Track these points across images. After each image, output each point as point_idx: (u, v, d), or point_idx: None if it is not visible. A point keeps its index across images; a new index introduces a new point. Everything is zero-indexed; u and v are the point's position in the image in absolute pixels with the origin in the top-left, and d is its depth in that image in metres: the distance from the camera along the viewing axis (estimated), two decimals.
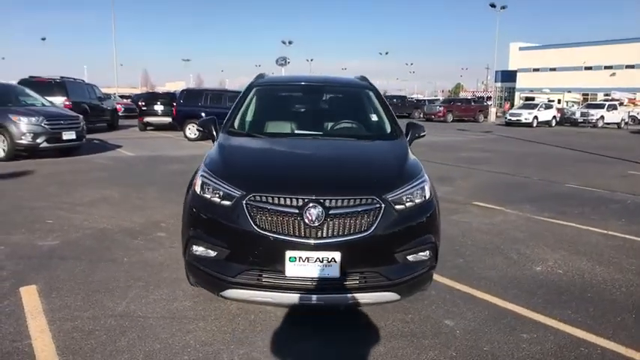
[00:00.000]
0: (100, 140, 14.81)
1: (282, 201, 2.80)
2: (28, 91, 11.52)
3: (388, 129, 4.02)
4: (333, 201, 2.80)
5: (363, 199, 2.85)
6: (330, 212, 2.78)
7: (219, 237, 2.91)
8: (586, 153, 14.93)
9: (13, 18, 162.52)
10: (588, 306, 3.56)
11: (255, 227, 2.79)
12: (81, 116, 11.33)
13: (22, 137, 9.63)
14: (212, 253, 2.94)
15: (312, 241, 2.75)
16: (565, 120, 33.45)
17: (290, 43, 68.41)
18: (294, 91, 4.64)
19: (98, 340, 2.88)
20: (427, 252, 3.09)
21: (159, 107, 19.20)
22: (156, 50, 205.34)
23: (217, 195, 2.96)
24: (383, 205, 2.87)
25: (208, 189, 3.01)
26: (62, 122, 10.38)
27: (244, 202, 2.84)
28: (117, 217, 5.68)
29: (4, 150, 9.68)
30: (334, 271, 2.77)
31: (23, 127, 9.64)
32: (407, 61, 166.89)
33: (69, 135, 10.42)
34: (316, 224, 2.75)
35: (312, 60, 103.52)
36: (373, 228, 2.82)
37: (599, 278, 4.14)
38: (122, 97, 39.87)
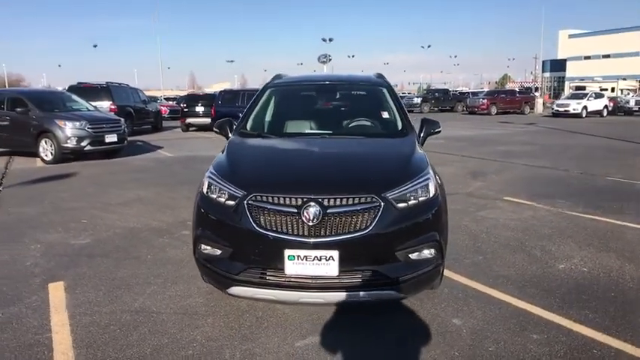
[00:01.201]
0: (143, 142, 15.42)
1: (281, 200, 2.85)
2: (73, 97, 12.19)
3: (399, 126, 3.99)
4: (331, 200, 2.82)
5: (361, 197, 2.85)
6: (328, 211, 2.80)
7: (224, 236, 3.00)
8: (637, 144, 14.09)
9: (68, 27, 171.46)
10: (609, 306, 3.40)
11: (255, 226, 2.86)
12: (122, 119, 11.86)
13: (68, 141, 10.20)
14: (218, 252, 3.03)
15: (310, 240, 2.78)
16: (618, 109, 31.67)
17: (330, 40, 68.36)
18: (308, 91, 4.67)
19: (112, 335, 3.05)
20: (431, 250, 3.05)
21: (200, 108, 19.76)
22: (202, 52, 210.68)
23: (222, 195, 3.04)
24: (382, 204, 2.86)
25: (214, 190, 3.10)
26: (104, 126, 10.91)
27: (245, 202, 2.91)
28: (147, 217, 5.93)
29: (52, 153, 10.29)
30: (332, 270, 2.79)
31: (68, 131, 10.21)
32: (450, 53, 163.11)
33: (111, 138, 10.94)
34: (314, 223, 2.78)
35: (353, 56, 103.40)
36: (372, 226, 2.82)
37: (627, 277, 3.93)
38: (167, 99, 41.31)
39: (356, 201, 2.84)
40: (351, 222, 2.81)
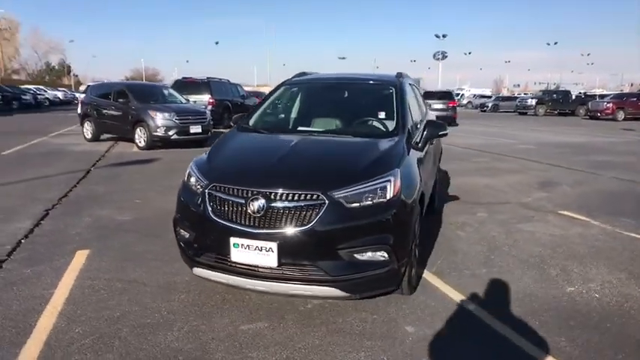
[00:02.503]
0: None
1: (232, 191, 3.05)
2: (171, 90, 13.55)
3: (391, 127, 3.92)
4: (276, 195, 2.94)
5: (306, 194, 2.93)
6: (272, 205, 2.93)
7: (191, 221, 3.28)
8: None
9: (194, 27, 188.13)
10: (594, 337, 3.05)
11: (211, 214, 3.09)
12: (207, 112, 12.89)
13: (157, 130, 11.41)
14: (187, 235, 3.32)
15: (252, 230, 2.94)
16: None
17: (444, 36, 66.21)
18: (317, 90, 4.77)
19: (98, 297, 3.50)
20: (382, 253, 3.02)
21: None
22: (314, 49, 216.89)
23: (194, 184, 3.33)
24: (327, 202, 2.91)
25: (190, 179, 3.40)
26: (190, 117, 11.97)
27: (207, 190, 3.15)
28: None
29: (144, 140, 11.59)
30: (272, 261, 2.92)
31: (158, 121, 11.41)
32: (582, 51, 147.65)
33: (195, 129, 11.97)
34: (259, 215, 2.93)
35: (469, 53, 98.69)
36: (313, 223, 2.88)
37: None
38: None
39: (300, 197, 2.93)
40: (293, 217, 2.90)
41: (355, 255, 2.97)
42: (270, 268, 2.95)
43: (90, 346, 2.84)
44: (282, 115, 4.50)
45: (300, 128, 4.07)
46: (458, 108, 52.39)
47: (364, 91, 4.64)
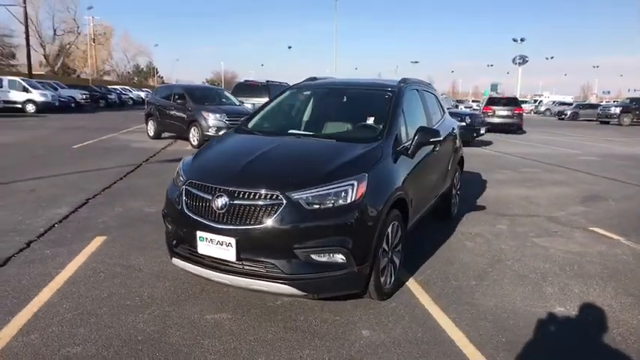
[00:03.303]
0: None
1: (202, 188, 3.26)
2: (226, 93, 14.22)
3: (376, 132, 3.93)
4: (239, 193, 3.10)
5: (266, 194, 3.06)
6: (235, 202, 3.09)
7: (172, 214, 3.53)
8: None
9: (268, 32, 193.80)
10: (533, 353, 2.90)
11: (184, 208, 3.32)
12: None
13: (209, 129, 12.05)
14: (169, 227, 3.58)
15: (215, 225, 3.12)
16: None
17: (522, 40, 63.32)
18: (317, 94, 4.85)
19: (96, 279, 3.86)
20: (340, 255, 3.08)
21: None
22: (386, 53, 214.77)
23: (177, 180, 3.58)
24: (285, 202, 3.02)
25: (177, 176, 3.66)
26: (240, 118, 12.45)
27: (184, 186, 3.39)
28: None
29: (197, 139, 12.28)
30: (231, 255, 3.08)
31: (210, 121, 12.05)
32: None
33: None
34: (222, 211, 3.11)
35: (552, 58, 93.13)
36: (270, 221, 3.01)
37: (621, 330, 3.20)
38: None
39: (260, 196, 3.07)
40: (252, 214, 3.05)
41: (312, 255, 3.05)
42: (231, 263, 3.12)
43: (69, 320, 3.17)
44: (280, 118, 4.66)
45: (290, 131, 4.19)
46: (535, 115, 49.81)
47: (362, 97, 4.67)
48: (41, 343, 2.88)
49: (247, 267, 3.10)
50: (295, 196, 3.05)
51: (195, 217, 3.23)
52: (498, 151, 13.99)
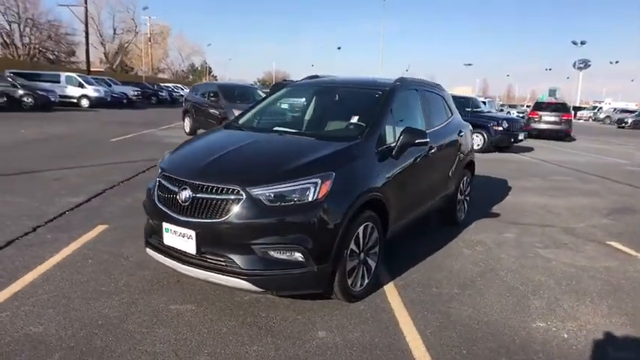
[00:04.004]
0: None
1: (171, 180, 3.33)
2: (258, 91, 14.45)
3: (358, 131, 3.86)
4: (203, 187, 3.14)
5: (227, 189, 3.09)
6: (197, 195, 3.14)
7: (147, 204, 3.63)
8: None
9: (320, 33, 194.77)
10: None
11: (156, 199, 3.41)
12: None
13: None
14: (147, 218, 3.69)
15: (178, 217, 3.19)
16: None
17: (582, 43, 60.45)
18: (311, 92, 4.82)
19: (81, 264, 4.03)
20: (298, 254, 3.06)
21: None
22: (441, 55, 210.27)
23: (157, 173, 3.68)
24: (244, 197, 3.03)
25: (158, 169, 3.76)
26: None
27: (158, 177, 3.48)
28: None
29: None
30: (191, 247, 3.13)
31: None
32: None
33: None
34: (186, 204, 3.17)
35: (616, 62, 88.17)
36: (228, 216, 3.03)
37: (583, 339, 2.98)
38: None
39: (221, 191, 3.09)
40: (212, 208, 3.08)
41: (269, 252, 3.05)
42: (192, 255, 3.17)
43: (43, 301, 3.33)
44: (270, 115, 4.67)
45: (275, 128, 4.20)
46: (593, 123, 47.15)
47: (353, 96, 4.60)
48: (8, 320, 3.04)
49: (207, 260, 3.14)
50: (255, 191, 3.05)
51: (163, 209, 3.31)
52: (536, 158, 13.37)
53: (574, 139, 21.18)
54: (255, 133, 4.07)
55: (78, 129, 14.80)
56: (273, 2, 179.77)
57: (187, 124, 14.67)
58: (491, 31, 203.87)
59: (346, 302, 3.49)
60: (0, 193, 6.23)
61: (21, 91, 20.98)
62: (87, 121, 17.97)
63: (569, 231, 5.87)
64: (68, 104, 25.29)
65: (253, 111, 4.69)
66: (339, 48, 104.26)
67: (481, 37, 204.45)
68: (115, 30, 60.81)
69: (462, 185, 5.71)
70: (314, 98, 4.77)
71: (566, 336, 3.25)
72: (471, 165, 5.94)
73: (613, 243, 5.44)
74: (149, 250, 3.56)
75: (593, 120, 50.15)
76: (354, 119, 4.09)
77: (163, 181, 3.40)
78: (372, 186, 3.55)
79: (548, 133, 19.91)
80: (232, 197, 3.06)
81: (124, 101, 29.61)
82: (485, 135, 13.71)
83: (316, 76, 5.24)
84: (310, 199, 3.09)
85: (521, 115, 28.57)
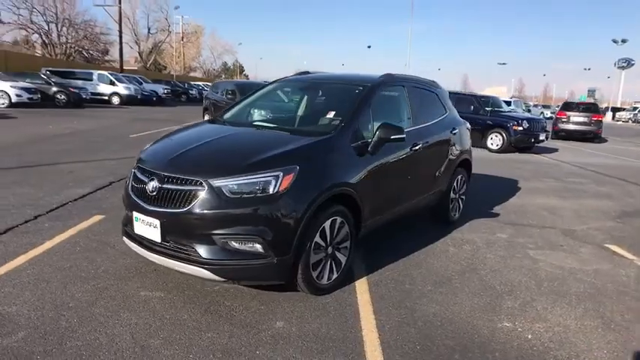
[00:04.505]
0: None
1: (143, 171, 3.46)
2: None
3: (331, 127, 3.89)
4: (169, 178, 3.25)
5: (190, 180, 3.18)
6: (164, 186, 3.25)
7: (124, 194, 3.75)
8: None
9: (348, 32, 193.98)
10: None
11: (129, 189, 3.55)
12: None
13: None
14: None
15: (146, 206, 3.30)
16: None
17: (623, 42, 58.32)
18: (297, 88, 4.87)
19: (69, 251, 4.22)
20: (257, 245, 3.12)
21: None
22: (475, 54, 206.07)
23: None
24: (206, 188, 3.12)
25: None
26: None
27: (133, 169, 3.62)
28: None
29: None
30: (156, 236, 3.25)
31: None
32: None
33: None
34: (153, 194, 3.28)
35: None
36: (190, 206, 3.12)
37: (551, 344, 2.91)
38: None
39: (185, 182, 3.19)
40: (176, 198, 3.18)
41: (230, 242, 3.13)
42: (158, 243, 3.28)
43: (23, 284, 3.51)
44: (253, 110, 4.75)
45: (255, 123, 4.27)
46: (633, 124, 45.31)
47: (336, 91, 4.62)
48: None
49: (172, 249, 3.25)
50: (217, 183, 3.13)
51: (134, 198, 3.43)
52: (556, 159, 12.99)
53: (605, 141, 20.46)
54: (233, 128, 4.16)
55: (102, 125, 15.33)
56: (304, 2, 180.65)
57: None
58: (527, 28, 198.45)
59: (313, 295, 3.54)
60: (14, 183, 6.56)
61: (54, 89, 21.86)
62: (114, 117, 18.58)
63: (568, 233, 5.72)
64: (100, 101, 26.22)
65: (239, 106, 4.79)
66: (369, 47, 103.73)
67: (516, 35, 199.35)
68: (149, 29, 62.47)
69: (455, 184, 5.64)
70: (298, 94, 4.82)
71: (529, 337, 3.19)
72: (465, 163, 5.85)
73: (612, 246, 5.26)
74: (125, 239, 3.69)
75: (632, 122, 48.14)
76: (331, 114, 4.12)
77: (137, 172, 3.53)
78: (341, 181, 3.58)
79: (576, 134, 19.30)
80: (195, 188, 3.15)
81: (154, 99, 30.37)
82: (504, 135, 13.42)
83: (306, 73, 5.29)
84: (271, 191, 3.14)
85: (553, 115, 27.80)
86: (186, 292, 3.54)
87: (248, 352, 2.80)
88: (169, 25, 63.40)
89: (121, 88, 26.90)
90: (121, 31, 36.74)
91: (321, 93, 4.69)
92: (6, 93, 19.30)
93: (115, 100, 26.75)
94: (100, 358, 2.66)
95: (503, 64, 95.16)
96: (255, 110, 4.76)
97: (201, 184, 3.14)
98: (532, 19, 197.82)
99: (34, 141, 10.70)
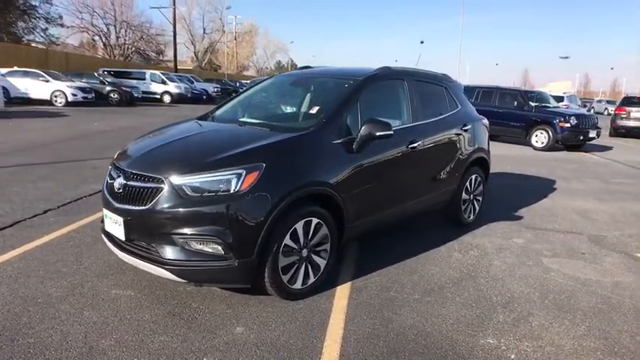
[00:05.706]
0: None
1: (116, 168, 3.43)
2: None
3: (312, 122, 3.67)
4: (133, 175, 3.20)
5: (152, 177, 3.11)
6: (128, 183, 3.20)
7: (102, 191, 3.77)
8: None
9: (402, 29, 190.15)
10: None
11: (104, 185, 3.53)
12: None
13: None
14: None
15: (113, 204, 3.27)
16: None
17: None
18: (289, 83, 4.69)
19: (63, 245, 4.29)
20: (217, 246, 3.00)
21: None
22: (537, 48, 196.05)
23: None
24: (166, 186, 3.03)
25: None
26: None
27: (109, 165, 3.61)
28: None
29: None
30: (121, 233, 3.20)
31: None
32: None
33: None
34: (120, 191, 3.24)
35: None
36: (150, 205, 3.05)
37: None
38: None
39: (147, 179, 3.12)
40: (138, 196, 3.12)
41: (190, 243, 3.02)
42: (124, 242, 3.23)
43: (5, 277, 3.59)
44: (244, 106, 4.60)
45: (240, 119, 4.15)
46: None
47: (326, 86, 4.39)
48: None
49: (137, 248, 3.19)
50: (177, 181, 3.03)
51: (106, 195, 3.41)
52: (607, 158, 11.99)
53: None
54: (216, 124, 4.07)
55: (144, 122, 15.86)
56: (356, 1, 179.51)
57: None
58: (590, 20, 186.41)
59: (284, 300, 3.37)
60: (40, 178, 6.85)
61: (108, 88, 22.97)
62: (159, 115, 19.22)
63: (595, 239, 5.18)
64: (152, 100, 27.28)
65: (232, 102, 4.69)
66: (422, 42, 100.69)
67: (580, 28, 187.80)
68: (204, 29, 64.46)
69: (468, 184, 5.26)
70: (289, 90, 4.65)
71: (512, 357, 2.85)
72: (480, 162, 5.43)
73: None
74: (102, 236, 3.69)
75: None
76: (314, 110, 3.92)
77: (111, 169, 3.51)
78: (317, 179, 3.38)
79: (637, 132, 17.78)
80: (157, 186, 3.07)
81: (204, 97, 31.25)
82: (550, 132, 12.56)
83: (308, 67, 5.10)
84: (232, 190, 3.00)
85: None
86: (156, 292, 3.48)
87: (194, 359, 2.68)
88: (223, 25, 65.08)
89: (172, 87, 27.84)
90: (175, 32, 38.03)
91: (312, 88, 4.49)
92: (63, 92, 20.47)
93: (167, 98, 27.71)
94: (46, 357, 2.64)
95: (566, 57, 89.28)
96: (245, 106, 4.64)
97: (162, 181, 3.06)
98: (596, 7, 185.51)
99: (72, 138, 11.22)
